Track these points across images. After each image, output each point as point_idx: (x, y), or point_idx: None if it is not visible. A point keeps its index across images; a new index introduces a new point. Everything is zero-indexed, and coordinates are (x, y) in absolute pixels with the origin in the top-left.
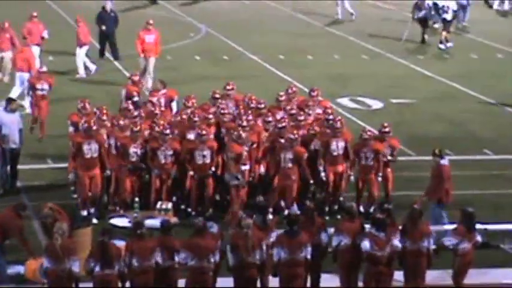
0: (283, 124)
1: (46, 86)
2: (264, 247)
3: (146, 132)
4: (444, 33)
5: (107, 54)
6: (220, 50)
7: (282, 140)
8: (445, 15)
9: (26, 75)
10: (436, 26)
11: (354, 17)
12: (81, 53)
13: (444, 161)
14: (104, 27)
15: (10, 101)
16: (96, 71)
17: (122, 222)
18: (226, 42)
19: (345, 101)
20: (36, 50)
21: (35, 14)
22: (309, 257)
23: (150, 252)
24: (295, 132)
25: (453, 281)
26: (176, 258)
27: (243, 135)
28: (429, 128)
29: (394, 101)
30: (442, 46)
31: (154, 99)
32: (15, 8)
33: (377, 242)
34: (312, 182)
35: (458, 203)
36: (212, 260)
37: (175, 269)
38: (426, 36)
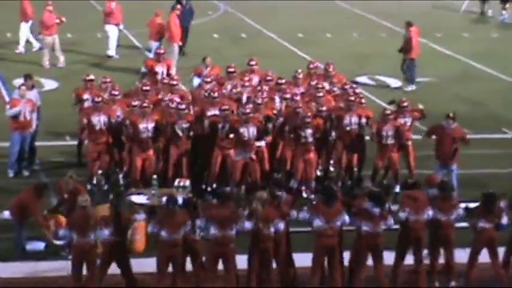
0: (297, 98)
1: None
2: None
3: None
4: (508, 4)
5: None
6: (239, 28)
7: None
8: None
9: (155, 44)
10: None
11: None
12: (25, 28)
13: (455, 125)
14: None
15: (28, 77)
16: (40, 48)
17: (140, 199)
18: (244, 20)
19: (363, 80)
20: (115, 30)
21: None
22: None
23: (179, 225)
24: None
25: (469, 256)
26: (199, 230)
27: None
28: (448, 107)
29: None
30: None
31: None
32: None
33: (372, 219)
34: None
35: (474, 181)
36: (234, 229)
37: (199, 241)
38: (486, 7)
